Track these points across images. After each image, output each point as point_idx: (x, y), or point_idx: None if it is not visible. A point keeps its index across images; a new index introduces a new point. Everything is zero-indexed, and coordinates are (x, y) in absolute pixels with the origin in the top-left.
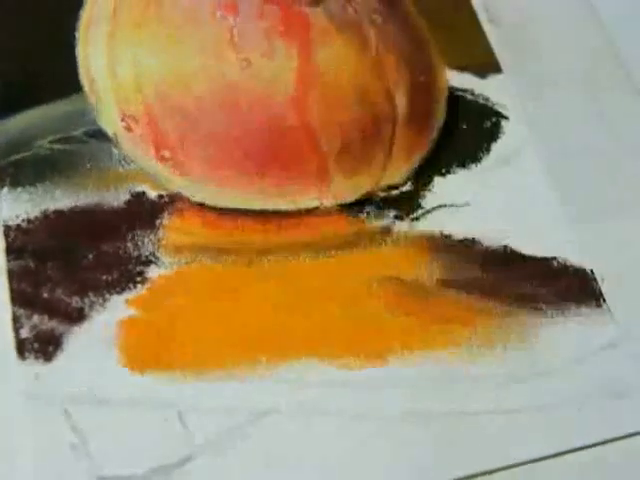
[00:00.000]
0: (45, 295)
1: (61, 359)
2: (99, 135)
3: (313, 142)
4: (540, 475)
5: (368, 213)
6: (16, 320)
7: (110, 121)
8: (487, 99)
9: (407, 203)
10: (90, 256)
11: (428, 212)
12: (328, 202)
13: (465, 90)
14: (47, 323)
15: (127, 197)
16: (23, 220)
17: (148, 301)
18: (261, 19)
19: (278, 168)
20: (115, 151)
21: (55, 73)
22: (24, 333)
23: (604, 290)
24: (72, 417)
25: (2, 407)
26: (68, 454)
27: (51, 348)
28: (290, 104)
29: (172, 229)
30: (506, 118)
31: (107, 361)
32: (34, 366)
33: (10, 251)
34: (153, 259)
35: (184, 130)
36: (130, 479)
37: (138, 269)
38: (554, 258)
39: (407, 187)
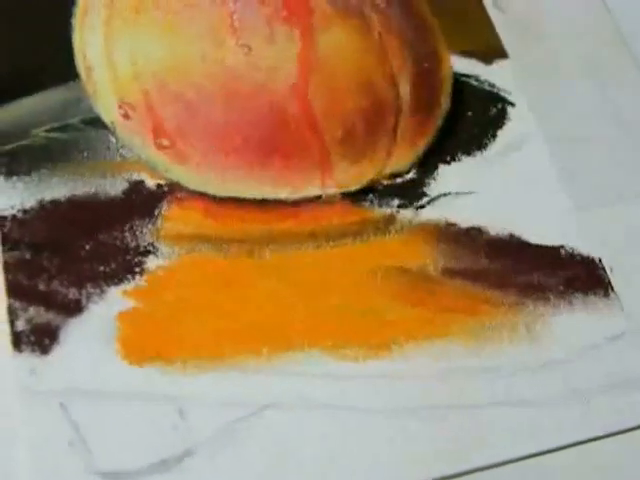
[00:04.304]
0: (41, 287)
1: (58, 352)
2: (96, 123)
3: (315, 130)
4: (549, 467)
5: (372, 202)
6: (12, 312)
7: (107, 109)
8: (493, 85)
9: (411, 191)
10: (87, 247)
11: (433, 200)
12: (331, 191)
13: (470, 76)
14: (43, 315)
15: (125, 186)
16: (19, 210)
17: (147, 292)
18: (262, 4)
19: (279, 156)
20: (112, 139)
21: (51, 61)
22: (20, 326)
23: (612, 279)
24: (69, 411)
25: None
26: (65, 449)
27: (47, 341)
28: (291, 91)
29: (171, 219)
30: (512, 104)
31: (105, 354)
32: (30, 359)
33: (5, 242)
34: (152, 249)
35: (183, 118)
36: (129, 474)
37: (137, 260)
38: (561, 247)
39: (411, 175)
